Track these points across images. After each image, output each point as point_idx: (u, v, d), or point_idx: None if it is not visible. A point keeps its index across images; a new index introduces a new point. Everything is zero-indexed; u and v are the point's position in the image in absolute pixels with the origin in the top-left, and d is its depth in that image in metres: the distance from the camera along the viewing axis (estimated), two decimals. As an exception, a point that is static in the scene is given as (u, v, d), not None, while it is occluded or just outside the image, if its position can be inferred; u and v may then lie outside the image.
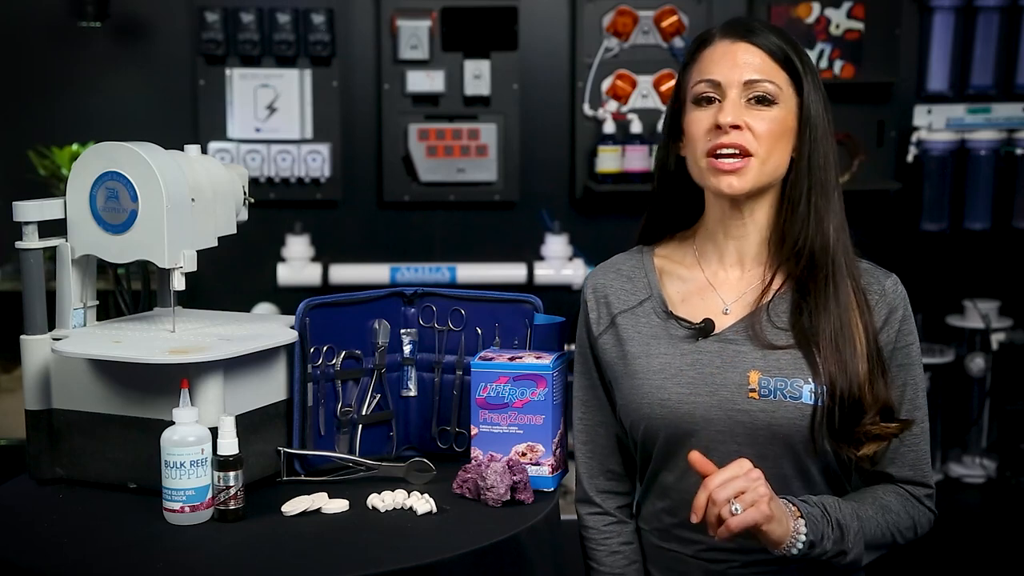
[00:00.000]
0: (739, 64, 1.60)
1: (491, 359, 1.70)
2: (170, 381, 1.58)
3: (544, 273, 3.79)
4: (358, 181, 3.85)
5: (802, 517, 1.52)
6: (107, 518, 1.58)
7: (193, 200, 1.69)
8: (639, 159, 3.72)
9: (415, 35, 3.71)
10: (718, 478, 1.47)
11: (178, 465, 1.53)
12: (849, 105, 3.78)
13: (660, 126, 3.76)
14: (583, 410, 1.76)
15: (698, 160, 1.62)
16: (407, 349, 1.85)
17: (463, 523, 1.56)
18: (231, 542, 1.50)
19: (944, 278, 3.90)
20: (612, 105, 3.79)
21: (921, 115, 3.84)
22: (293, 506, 1.58)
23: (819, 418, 1.57)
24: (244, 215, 1.87)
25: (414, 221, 3.87)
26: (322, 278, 3.74)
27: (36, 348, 1.71)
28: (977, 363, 3.73)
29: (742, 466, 1.48)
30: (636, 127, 3.75)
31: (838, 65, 3.78)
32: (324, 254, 3.80)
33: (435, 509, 1.58)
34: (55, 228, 1.72)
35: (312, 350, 1.74)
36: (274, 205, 3.74)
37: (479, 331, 1.82)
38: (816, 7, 3.78)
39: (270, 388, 1.71)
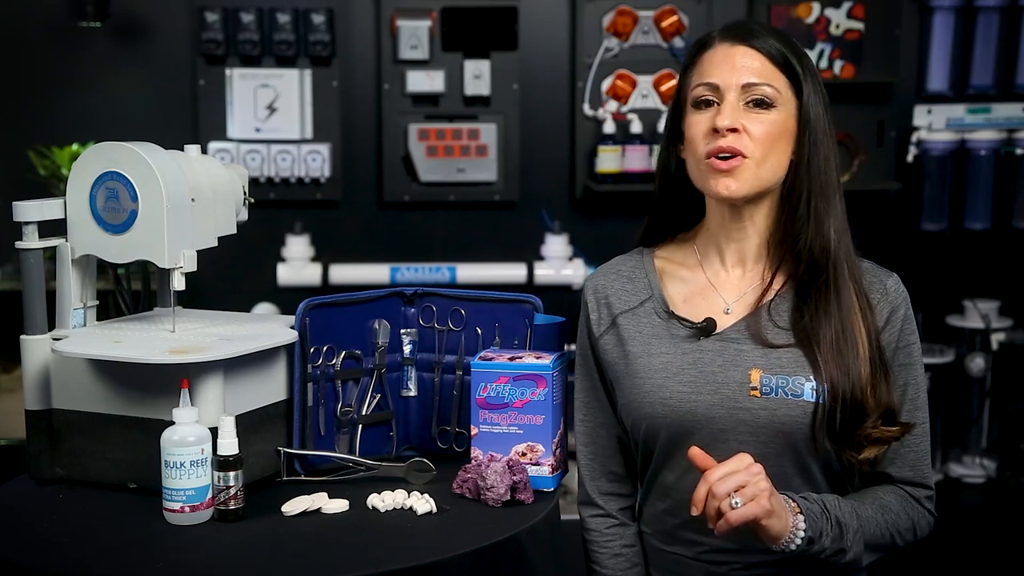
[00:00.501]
0: (737, 67, 1.60)
1: (491, 359, 1.70)
2: (170, 381, 1.58)
3: (544, 273, 3.79)
4: (358, 181, 3.85)
5: (801, 513, 1.52)
6: (107, 518, 1.58)
7: (193, 200, 1.69)
8: (639, 159, 3.72)
9: (415, 35, 3.71)
10: (719, 471, 1.47)
11: (178, 465, 1.53)
12: (849, 105, 3.78)
13: (660, 126, 3.77)
14: (584, 412, 1.76)
15: (697, 163, 1.63)
16: (407, 349, 1.85)
17: (463, 523, 1.56)
18: (231, 542, 1.50)
19: (944, 278, 3.90)
20: (612, 105, 3.79)
21: (921, 115, 3.84)
22: (293, 506, 1.58)
23: (820, 416, 1.57)
24: (244, 215, 1.87)
25: (414, 221, 3.87)
26: (322, 278, 3.74)
27: (36, 348, 1.71)
28: (977, 363, 3.73)
29: (743, 460, 1.48)
30: (636, 127, 3.75)
31: (838, 65, 3.78)
32: (324, 254, 3.80)
33: (435, 509, 1.58)
34: (55, 228, 1.72)
35: (312, 350, 1.74)
36: (274, 205, 3.74)
37: (479, 331, 1.82)
38: (816, 7, 3.78)
39: (270, 388, 1.71)
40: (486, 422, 1.69)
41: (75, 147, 3.57)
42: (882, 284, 1.65)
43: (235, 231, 1.82)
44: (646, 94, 3.80)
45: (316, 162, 3.73)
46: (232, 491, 1.55)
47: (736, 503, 1.45)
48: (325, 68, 3.75)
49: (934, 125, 3.83)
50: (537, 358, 1.70)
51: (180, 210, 1.67)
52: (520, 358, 1.70)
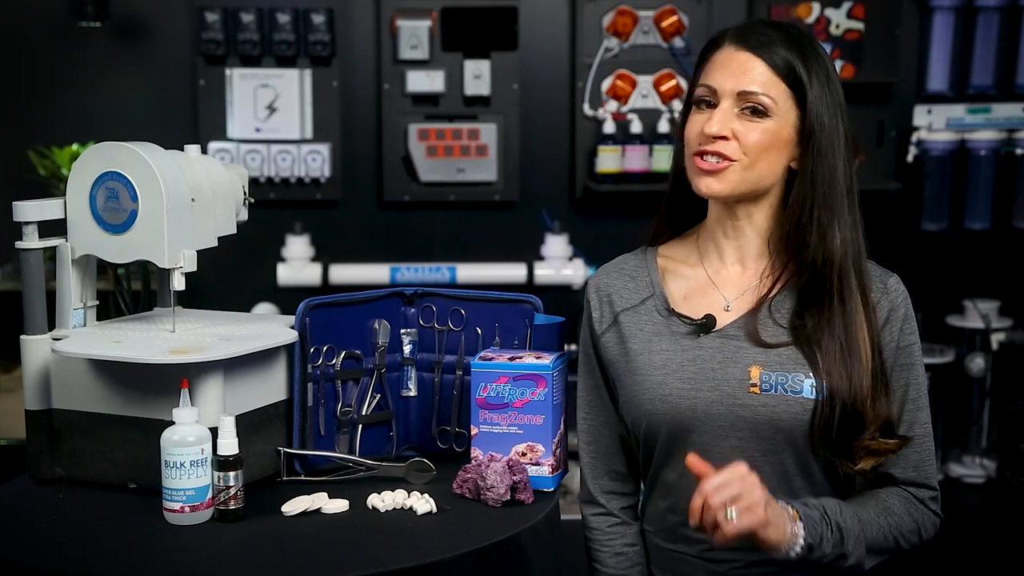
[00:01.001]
0: (736, 74, 1.60)
1: (491, 359, 1.70)
2: (170, 381, 1.58)
3: (544, 273, 3.79)
4: (358, 181, 3.85)
5: (800, 520, 1.52)
6: (107, 518, 1.58)
7: (193, 200, 1.69)
8: (639, 159, 3.72)
9: (415, 35, 3.71)
10: (713, 482, 1.47)
11: (178, 465, 1.53)
12: (849, 105, 3.73)
13: (660, 126, 3.77)
14: (587, 410, 1.76)
15: (688, 160, 1.64)
16: (407, 349, 1.85)
17: (463, 523, 1.56)
18: (231, 542, 1.50)
19: (944, 278, 3.90)
20: (612, 105, 3.79)
21: (921, 115, 3.84)
22: (293, 506, 1.58)
23: (820, 412, 1.57)
24: (244, 215, 1.87)
25: (414, 221, 3.87)
26: (322, 278, 3.73)
27: (36, 348, 1.71)
28: (977, 363, 3.73)
29: (737, 469, 1.48)
30: (636, 127, 3.75)
31: (838, 65, 3.77)
32: (324, 254, 3.80)
33: (435, 509, 1.58)
34: (55, 228, 1.72)
35: (312, 350, 1.74)
36: (274, 205, 3.74)
37: (479, 331, 1.82)
38: (816, 7, 3.78)
39: (270, 388, 1.71)
40: (486, 422, 1.69)
41: (75, 147, 3.57)
42: (882, 283, 1.65)
43: (235, 231, 1.82)
44: (646, 94, 3.80)
45: (316, 162, 3.73)
46: (232, 491, 1.55)
47: (732, 515, 1.45)
48: (325, 68, 3.75)
49: (934, 125, 3.83)
50: (537, 358, 1.70)
51: (180, 210, 1.67)
52: (520, 358, 1.70)
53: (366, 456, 1.75)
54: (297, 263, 3.75)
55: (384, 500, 1.60)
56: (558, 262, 3.79)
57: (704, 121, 1.61)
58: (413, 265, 3.74)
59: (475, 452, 1.70)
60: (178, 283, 1.68)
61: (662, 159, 3.69)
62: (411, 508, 1.59)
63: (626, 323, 1.69)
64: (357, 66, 3.80)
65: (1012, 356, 3.66)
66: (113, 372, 1.65)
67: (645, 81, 3.80)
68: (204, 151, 1.92)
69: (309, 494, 1.61)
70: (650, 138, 3.75)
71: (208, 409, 1.59)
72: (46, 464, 1.71)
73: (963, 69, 3.85)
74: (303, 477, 1.72)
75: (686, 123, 1.65)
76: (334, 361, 1.77)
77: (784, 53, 1.60)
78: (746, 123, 1.59)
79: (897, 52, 3.83)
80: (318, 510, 1.59)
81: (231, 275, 3.64)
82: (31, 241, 1.71)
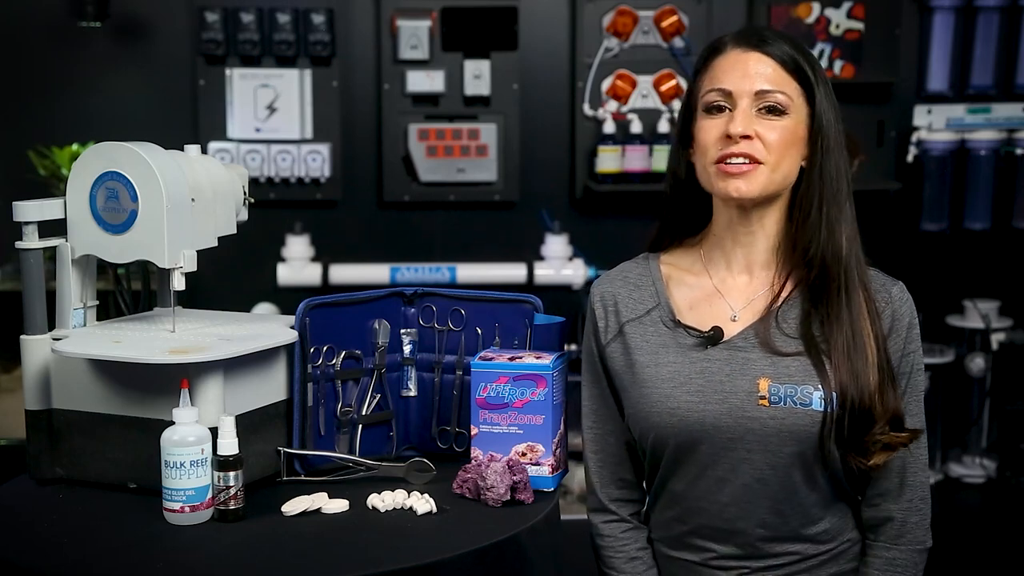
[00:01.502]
0: (750, 74, 1.60)
1: (491, 359, 1.70)
2: (170, 381, 1.58)
3: (544, 273, 3.79)
4: (358, 181, 3.85)
5: None
6: (107, 518, 1.58)
7: (193, 200, 1.69)
8: (639, 159, 3.72)
9: (415, 35, 3.71)
10: None
11: (178, 465, 1.53)
12: (849, 105, 3.75)
13: (660, 126, 3.77)
14: (593, 419, 1.75)
15: (707, 167, 1.62)
16: (407, 349, 1.85)
17: (463, 523, 1.56)
18: (231, 542, 1.50)
19: (944, 278, 3.90)
20: (612, 105, 3.79)
21: (921, 115, 3.84)
22: (293, 506, 1.58)
23: (828, 425, 1.57)
24: (244, 215, 1.87)
25: (414, 221, 3.87)
26: (322, 278, 3.74)
27: (36, 348, 1.71)
28: (977, 363, 3.73)
29: None
30: (636, 127, 3.75)
31: (838, 65, 3.78)
32: (324, 254, 3.80)
33: (435, 509, 1.58)
34: (55, 228, 1.72)
35: (312, 350, 1.74)
36: (274, 205, 3.74)
37: (479, 331, 1.82)
38: (816, 7, 3.78)
39: (270, 388, 1.71)
40: (486, 422, 1.69)
41: (75, 147, 3.57)
42: (887, 292, 1.65)
43: (235, 231, 1.82)
44: (646, 94, 3.80)
45: (316, 162, 3.73)
46: (232, 491, 1.55)
47: None
48: (325, 68, 3.75)
49: (934, 125, 3.83)
50: (537, 358, 1.70)
51: (180, 210, 1.67)
52: (520, 358, 1.70)
53: (366, 456, 1.75)
54: (297, 263, 3.75)
55: (384, 500, 1.60)
56: (558, 262, 3.79)
57: (721, 125, 1.60)
58: (413, 265, 3.74)
59: (475, 452, 1.70)
60: (178, 283, 1.68)
61: (662, 159, 3.68)
62: (411, 508, 1.59)
63: (631, 334, 1.68)
64: (357, 66, 3.80)
65: (1012, 356, 3.66)
66: (113, 372, 1.65)
67: (645, 81, 3.80)
68: (204, 151, 1.92)
69: (309, 494, 1.61)
70: (650, 138, 3.75)
71: (208, 409, 1.59)
72: (46, 464, 1.71)
73: (963, 69, 3.85)
74: (303, 477, 1.72)
75: (695, 132, 1.64)
76: (334, 361, 1.77)
77: (788, 50, 1.62)
78: (765, 123, 1.59)
79: (897, 52, 3.83)
80: (318, 510, 1.59)
81: (231, 275, 3.64)
82: (31, 241, 1.71)
